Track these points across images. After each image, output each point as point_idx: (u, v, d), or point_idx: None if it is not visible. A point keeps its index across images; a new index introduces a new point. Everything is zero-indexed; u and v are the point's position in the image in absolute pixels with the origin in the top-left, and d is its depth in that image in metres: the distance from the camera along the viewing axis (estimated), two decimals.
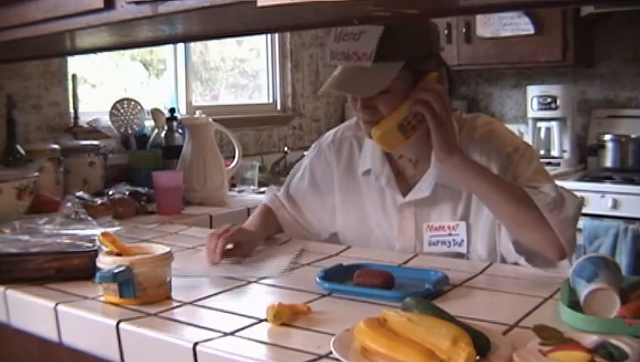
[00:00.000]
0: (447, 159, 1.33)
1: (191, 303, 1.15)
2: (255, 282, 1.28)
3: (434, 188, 1.45)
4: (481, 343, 0.85)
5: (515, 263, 1.40)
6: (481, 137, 1.43)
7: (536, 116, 3.46)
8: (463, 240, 1.44)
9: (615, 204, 2.92)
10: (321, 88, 1.43)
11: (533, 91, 3.45)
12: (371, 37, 1.31)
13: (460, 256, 1.45)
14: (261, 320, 1.04)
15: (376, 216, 1.54)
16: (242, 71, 3.68)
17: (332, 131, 1.67)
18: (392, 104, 1.36)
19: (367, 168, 1.54)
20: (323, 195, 1.63)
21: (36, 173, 1.94)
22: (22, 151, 2.21)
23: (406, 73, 1.35)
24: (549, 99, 3.38)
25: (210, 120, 2.51)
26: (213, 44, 3.41)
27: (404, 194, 1.49)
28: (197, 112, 2.68)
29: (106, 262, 1.16)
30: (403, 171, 1.52)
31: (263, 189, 2.73)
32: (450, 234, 1.45)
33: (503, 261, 1.43)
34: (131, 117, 2.65)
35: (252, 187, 2.78)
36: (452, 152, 1.33)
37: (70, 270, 1.29)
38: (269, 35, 3.58)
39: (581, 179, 3.11)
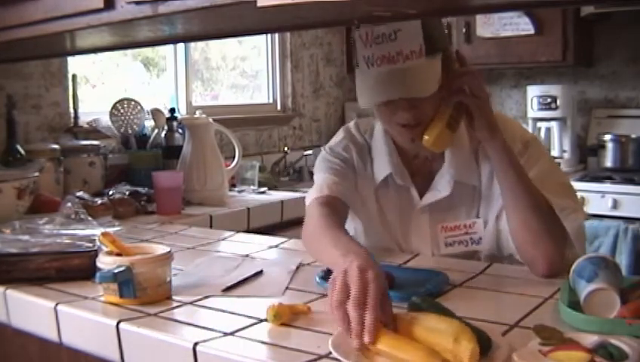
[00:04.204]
0: (491, 139, 1.28)
1: (191, 303, 1.15)
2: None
3: (452, 187, 1.41)
4: (482, 342, 0.85)
5: (510, 255, 1.38)
6: None
7: (536, 116, 3.46)
8: (480, 238, 1.40)
9: (615, 204, 2.92)
10: (365, 100, 1.32)
11: (533, 91, 3.45)
12: (411, 33, 1.24)
13: (474, 253, 1.42)
14: (261, 320, 1.04)
15: (394, 221, 1.48)
16: (242, 71, 3.68)
17: (340, 138, 1.54)
18: (434, 100, 1.29)
19: (386, 173, 1.46)
20: (351, 182, 1.48)
21: (36, 173, 1.94)
22: (22, 151, 2.21)
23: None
24: (549, 99, 3.38)
25: (210, 120, 2.51)
26: (214, 42, 3.42)
27: (421, 196, 1.45)
28: (197, 112, 2.68)
29: (106, 262, 1.16)
30: (418, 172, 1.47)
31: (262, 189, 2.74)
32: (467, 233, 1.40)
33: (501, 253, 1.41)
34: (131, 117, 2.65)
35: (252, 187, 2.78)
36: (495, 133, 1.28)
37: (70, 270, 1.29)
38: (269, 35, 3.58)
39: (581, 179, 3.11)
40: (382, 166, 1.48)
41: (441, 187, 1.42)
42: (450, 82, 1.30)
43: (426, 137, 1.31)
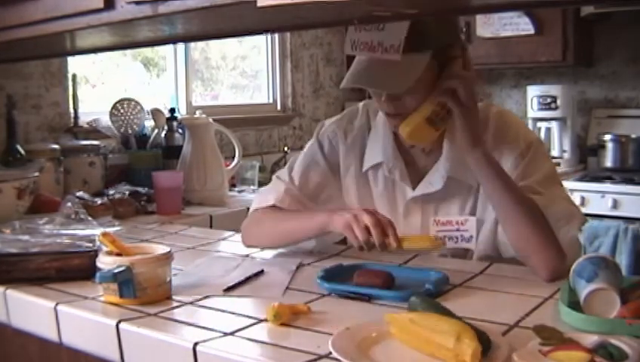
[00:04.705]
0: (471, 151, 1.27)
1: (191, 303, 1.15)
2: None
3: (445, 182, 1.40)
4: (482, 342, 0.85)
5: (512, 258, 1.37)
6: (494, 130, 1.39)
7: (536, 116, 3.46)
8: (472, 236, 1.38)
9: (615, 204, 2.92)
10: (343, 82, 1.33)
11: (533, 91, 3.45)
12: (398, 27, 1.23)
13: (466, 251, 1.42)
14: (261, 320, 1.04)
15: (383, 210, 1.46)
16: (242, 71, 3.68)
17: (335, 120, 1.58)
18: (419, 95, 1.30)
19: (377, 161, 1.47)
20: (330, 179, 1.54)
21: (36, 173, 1.94)
22: (22, 151, 2.21)
23: (433, 62, 1.29)
24: (549, 99, 3.38)
25: (210, 120, 2.51)
26: (214, 42, 3.42)
27: (414, 187, 1.44)
28: (197, 112, 2.68)
29: (106, 262, 1.16)
30: (413, 162, 1.46)
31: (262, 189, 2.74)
32: (458, 230, 1.39)
33: (499, 256, 1.40)
34: (131, 117, 2.65)
35: (252, 187, 2.79)
36: (476, 145, 1.27)
37: (70, 270, 1.29)
38: (269, 35, 3.58)
39: (581, 179, 3.11)
40: (374, 152, 1.48)
41: (434, 180, 1.42)
42: (440, 81, 1.29)
43: (402, 126, 1.32)
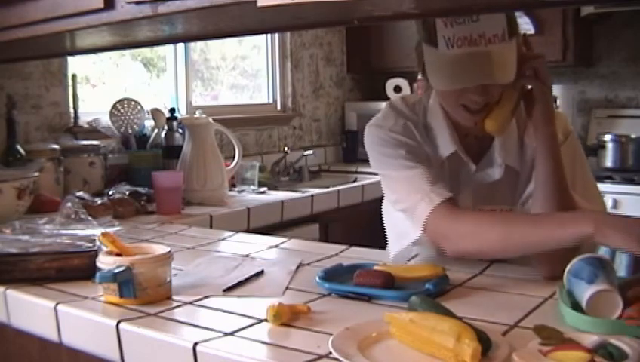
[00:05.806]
0: (545, 127, 1.27)
1: (191, 303, 1.15)
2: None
3: (505, 171, 1.38)
4: (482, 342, 0.85)
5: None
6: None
7: None
8: None
9: (615, 204, 2.92)
10: (441, 83, 1.30)
11: None
12: (495, 15, 1.22)
13: None
14: (261, 320, 1.04)
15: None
16: (243, 71, 3.68)
17: (391, 119, 1.42)
18: (502, 83, 1.28)
19: (452, 150, 1.40)
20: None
21: (36, 173, 1.94)
22: (22, 151, 2.21)
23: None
24: None
25: (210, 120, 2.51)
26: (214, 42, 3.42)
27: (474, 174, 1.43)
28: (197, 112, 2.68)
29: (106, 262, 1.16)
30: (467, 150, 1.43)
31: (262, 189, 2.74)
32: None
33: None
34: (131, 117, 2.65)
35: (252, 187, 2.79)
36: (551, 121, 1.27)
37: (70, 270, 1.29)
38: (269, 35, 3.58)
39: None
40: (445, 144, 1.41)
41: (492, 171, 1.40)
42: (519, 65, 1.28)
43: (491, 122, 1.29)
